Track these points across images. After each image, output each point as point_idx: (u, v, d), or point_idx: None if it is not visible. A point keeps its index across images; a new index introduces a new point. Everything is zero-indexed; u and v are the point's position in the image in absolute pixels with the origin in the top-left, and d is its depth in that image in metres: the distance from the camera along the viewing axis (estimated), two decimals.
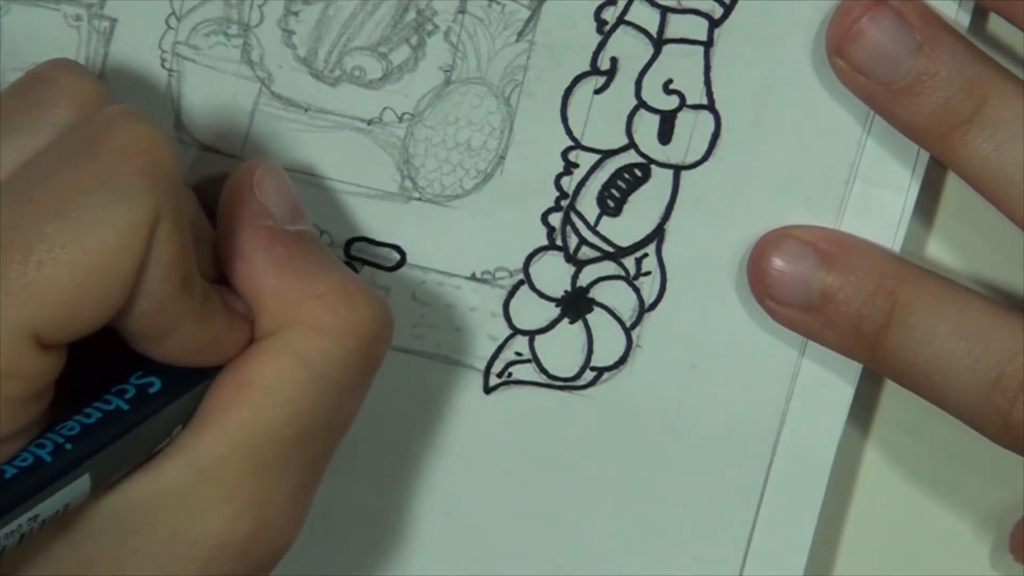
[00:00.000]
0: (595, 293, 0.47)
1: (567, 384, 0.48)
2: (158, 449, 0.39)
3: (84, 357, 0.38)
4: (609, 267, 0.47)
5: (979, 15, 0.45)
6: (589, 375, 0.47)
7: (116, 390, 0.39)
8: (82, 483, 0.37)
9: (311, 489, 0.41)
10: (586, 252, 0.47)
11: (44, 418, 0.38)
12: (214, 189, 0.42)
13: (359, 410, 0.42)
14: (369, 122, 0.46)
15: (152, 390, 0.39)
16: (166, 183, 0.37)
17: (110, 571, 0.39)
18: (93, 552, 0.39)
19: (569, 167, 0.46)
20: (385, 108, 0.46)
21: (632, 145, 0.46)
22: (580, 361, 0.47)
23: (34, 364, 0.36)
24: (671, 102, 0.46)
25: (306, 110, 0.46)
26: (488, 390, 0.48)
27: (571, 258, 0.47)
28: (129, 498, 0.39)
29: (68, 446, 0.37)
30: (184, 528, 0.39)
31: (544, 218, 0.47)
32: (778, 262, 0.45)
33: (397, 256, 0.47)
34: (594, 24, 0.45)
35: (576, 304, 0.47)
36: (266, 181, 0.42)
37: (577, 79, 0.46)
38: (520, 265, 0.47)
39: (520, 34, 0.45)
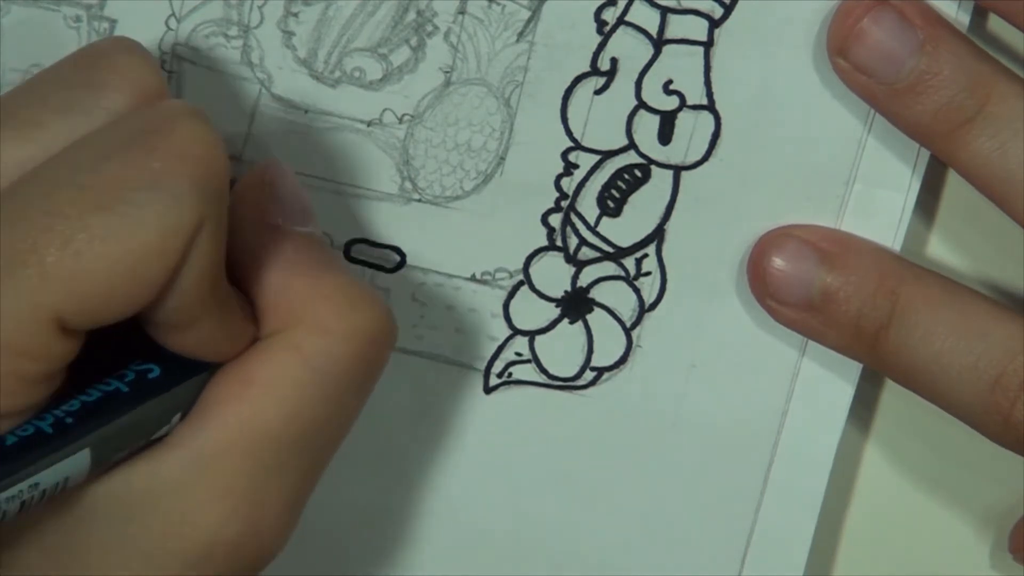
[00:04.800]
0: (595, 293, 0.47)
1: (567, 384, 0.48)
2: (156, 436, 0.39)
3: (88, 340, 0.38)
4: (609, 267, 0.47)
5: (979, 15, 0.45)
6: (589, 375, 0.48)
7: (116, 374, 0.39)
8: (82, 457, 0.37)
9: (305, 494, 0.41)
10: (586, 252, 0.47)
11: (48, 401, 0.38)
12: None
13: (358, 415, 0.42)
14: (369, 123, 0.46)
15: (151, 376, 0.39)
16: (215, 192, 0.37)
17: (100, 558, 0.39)
18: (86, 536, 0.39)
19: (569, 168, 0.46)
20: (385, 109, 0.46)
21: (632, 146, 0.46)
22: (580, 361, 0.47)
23: (52, 346, 0.36)
24: (671, 102, 0.46)
25: (306, 111, 0.46)
26: (488, 390, 0.48)
27: (571, 259, 0.47)
28: (128, 486, 0.39)
29: (68, 420, 0.37)
30: (178, 521, 0.39)
31: (544, 219, 0.47)
32: (779, 262, 0.45)
33: (397, 257, 0.47)
34: (594, 24, 0.45)
35: (576, 304, 0.47)
36: (278, 182, 0.42)
37: (577, 80, 0.46)
38: (520, 266, 0.47)
39: (520, 35, 0.46)
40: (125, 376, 0.39)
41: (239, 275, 0.41)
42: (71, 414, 0.38)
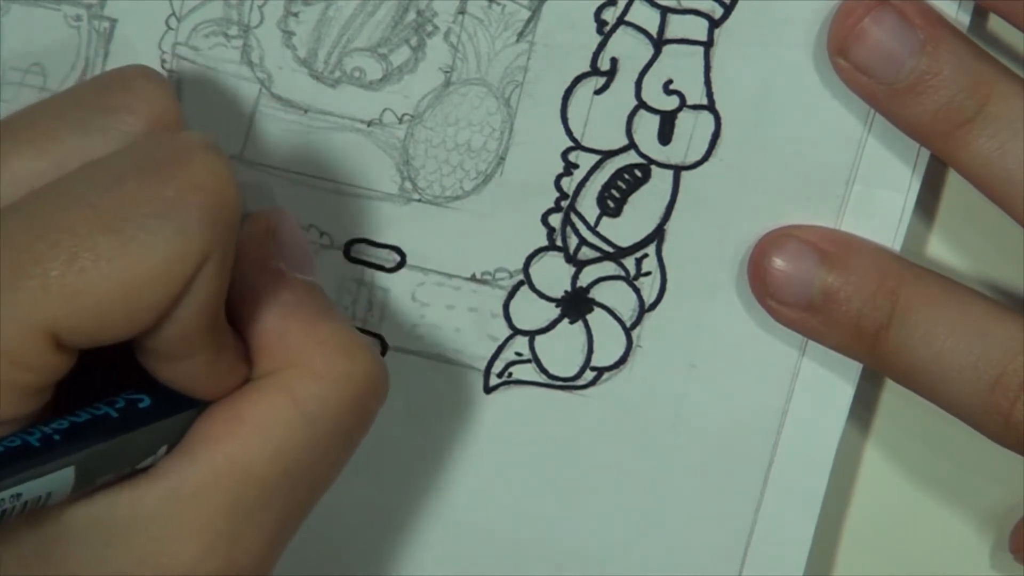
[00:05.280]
0: (595, 293, 0.47)
1: (567, 384, 0.48)
2: (142, 466, 0.40)
3: (82, 365, 0.38)
4: (609, 267, 0.47)
5: (979, 15, 0.45)
6: (589, 375, 0.48)
7: (107, 400, 0.39)
8: (66, 475, 0.38)
9: (286, 536, 0.41)
10: (586, 252, 0.47)
11: (37, 418, 0.38)
12: None
13: (346, 462, 0.42)
14: (369, 123, 0.46)
15: (141, 405, 0.40)
16: (225, 226, 0.38)
17: None
18: (64, 556, 0.39)
19: (569, 168, 0.46)
20: (385, 109, 0.46)
21: (632, 145, 0.46)
22: (580, 361, 0.47)
23: (46, 360, 0.37)
24: (671, 102, 0.46)
25: (306, 111, 0.46)
26: (488, 390, 0.48)
27: (571, 258, 0.47)
28: (109, 511, 0.39)
29: (56, 436, 0.38)
30: (155, 552, 0.39)
31: (544, 219, 0.47)
32: (779, 262, 0.45)
33: (397, 257, 0.47)
34: (594, 24, 0.45)
35: (576, 304, 0.47)
36: (282, 228, 0.42)
37: (577, 79, 0.46)
38: (520, 266, 0.47)
39: (520, 35, 0.46)
40: (116, 403, 0.39)
41: (236, 315, 0.41)
42: (59, 432, 0.38)
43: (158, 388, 0.40)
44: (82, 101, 0.40)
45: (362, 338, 0.42)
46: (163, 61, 0.45)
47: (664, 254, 0.47)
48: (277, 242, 0.42)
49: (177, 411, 0.40)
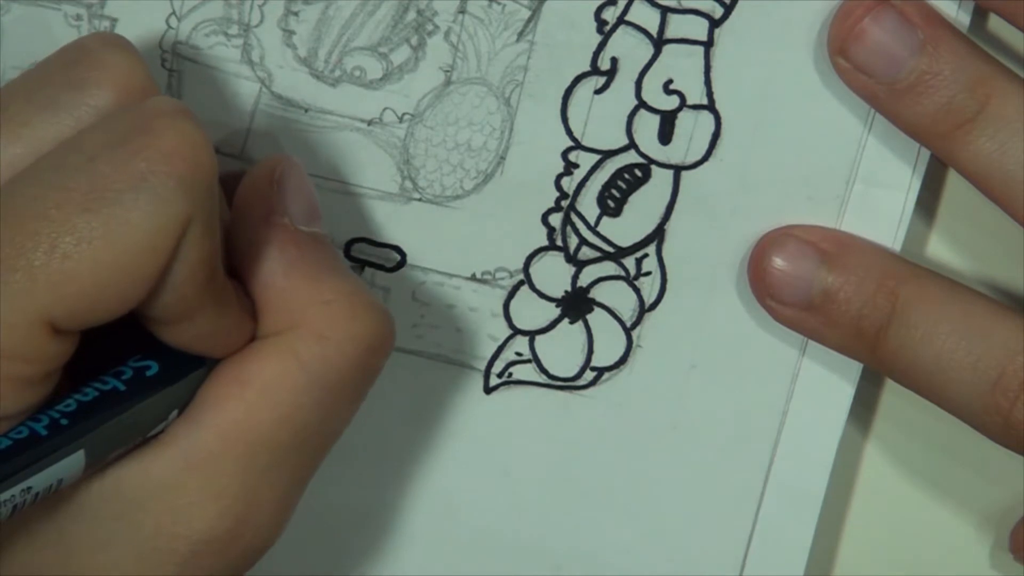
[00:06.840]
0: (595, 293, 0.47)
1: (567, 384, 0.48)
2: (153, 433, 0.40)
3: (86, 337, 0.38)
4: (609, 267, 0.47)
5: (979, 15, 0.45)
6: (589, 375, 0.47)
7: (114, 371, 0.39)
8: (76, 459, 0.37)
9: (296, 494, 0.42)
10: (586, 252, 0.47)
11: (47, 398, 0.38)
12: (232, 182, 0.42)
13: (352, 418, 0.42)
14: (369, 122, 0.46)
15: (149, 373, 0.39)
16: (203, 189, 0.37)
17: (91, 557, 0.39)
18: (77, 535, 0.39)
19: (569, 167, 0.46)
20: (385, 108, 0.46)
21: (632, 145, 0.46)
22: (580, 361, 0.47)
23: (45, 348, 0.37)
24: (671, 102, 0.46)
25: (306, 110, 0.46)
26: (488, 390, 0.48)
27: (571, 258, 0.47)
28: (119, 485, 0.39)
29: (64, 421, 0.37)
30: (169, 521, 0.39)
31: (544, 218, 0.47)
32: (779, 262, 0.45)
33: (397, 257, 0.47)
34: (594, 24, 0.45)
35: (576, 304, 0.47)
36: (287, 179, 0.42)
37: (577, 79, 0.46)
38: (520, 265, 0.47)
39: (520, 34, 0.46)
40: (123, 374, 0.39)
41: (241, 270, 0.41)
42: (67, 415, 0.38)
43: (165, 351, 0.40)
44: (49, 79, 0.40)
45: (368, 293, 0.42)
46: (163, 60, 0.45)
47: (664, 254, 0.47)
48: (282, 194, 0.42)
49: (186, 372, 0.40)
